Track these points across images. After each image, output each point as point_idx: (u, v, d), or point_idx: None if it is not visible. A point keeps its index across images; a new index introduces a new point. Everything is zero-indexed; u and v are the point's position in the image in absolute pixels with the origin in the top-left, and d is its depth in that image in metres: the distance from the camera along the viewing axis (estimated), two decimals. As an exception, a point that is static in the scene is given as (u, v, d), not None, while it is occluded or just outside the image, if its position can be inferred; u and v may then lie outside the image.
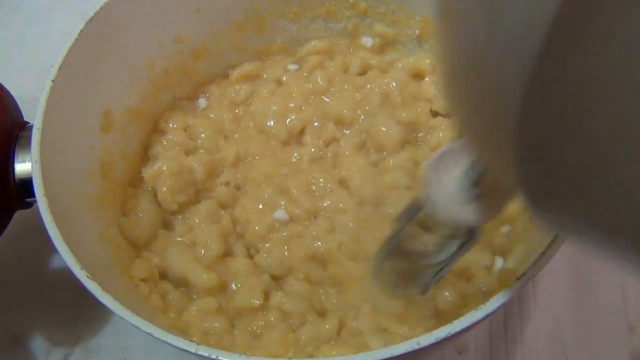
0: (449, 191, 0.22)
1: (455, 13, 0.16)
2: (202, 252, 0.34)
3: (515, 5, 0.13)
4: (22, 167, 0.33)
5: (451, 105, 0.19)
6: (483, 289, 0.32)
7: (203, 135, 0.40)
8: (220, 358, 0.24)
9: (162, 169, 0.37)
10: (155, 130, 0.40)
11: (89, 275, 0.26)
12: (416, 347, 0.23)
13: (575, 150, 0.14)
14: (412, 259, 0.27)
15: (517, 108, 0.14)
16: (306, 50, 0.43)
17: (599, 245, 0.16)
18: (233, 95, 0.42)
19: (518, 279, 0.25)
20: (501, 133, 0.16)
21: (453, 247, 0.25)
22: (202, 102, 0.42)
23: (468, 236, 0.25)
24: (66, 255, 0.27)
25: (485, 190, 0.22)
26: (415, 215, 0.26)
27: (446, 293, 0.31)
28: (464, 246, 0.25)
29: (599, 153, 0.14)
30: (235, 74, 0.43)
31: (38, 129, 0.30)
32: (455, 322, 0.24)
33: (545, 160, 0.15)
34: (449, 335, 0.23)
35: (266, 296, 0.33)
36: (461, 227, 0.24)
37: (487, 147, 0.18)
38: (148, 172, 0.37)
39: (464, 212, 0.22)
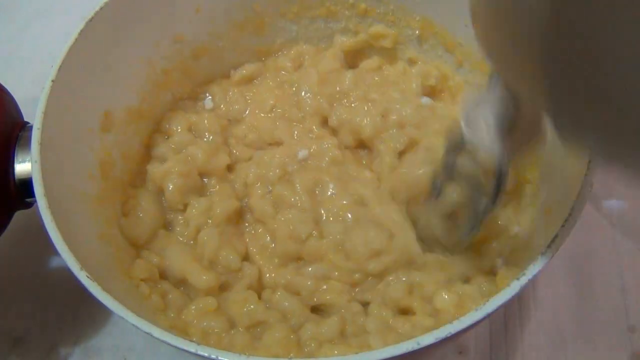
0: (484, 130, 0.26)
1: None
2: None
3: None
4: (22, 167, 0.33)
5: (486, 44, 0.21)
6: (483, 288, 0.32)
7: (207, 134, 0.40)
8: (220, 358, 0.24)
9: (171, 169, 0.37)
10: (158, 130, 0.40)
11: (89, 275, 0.26)
12: (416, 347, 0.23)
13: (597, 72, 0.16)
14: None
15: (542, 33, 0.17)
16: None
17: (618, 157, 0.20)
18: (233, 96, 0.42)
19: (518, 279, 0.25)
20: (530, 58, 0.18)
21: (483, 198, 0.29)
22: (208, 102, 0.42)
23: (497, 184, 0.28)
24: (66, 255, 0.27)
25: (515, 128, 0.26)
26: (456, 150, 0.30)
27: (444, 295, 0.31)
28: (496, 196, 0.29)
29: (614, 72, 0.16)
30: (237, 75, 0.43)
31: (38, 129, 0.30)
32: (455, 322, 0.24)
33: (570, 81, 0.18)
34: (449, 335, 0.23)
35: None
36: (491, 169, 0.28)
37: (519, 77, 0.21)
38: (154, 170, 0.37)
39: (498, 147, 0.26)
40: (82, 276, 0.26)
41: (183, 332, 0.31)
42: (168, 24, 0.39)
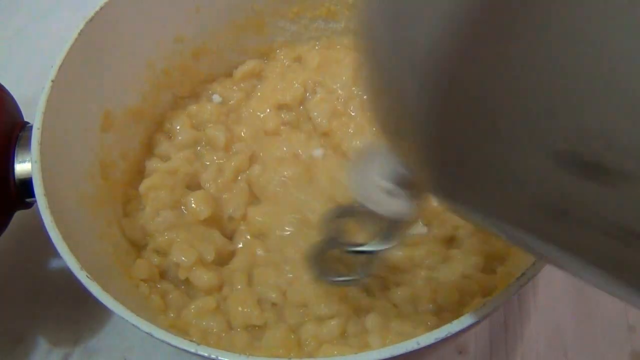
0: (375, 188, 0.24)
1: (368, 36, 0.17)
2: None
3: (413, 22, 0.14)
4: (22, 167, 0.33)
5: (372, 114, 0.19)
6: (483, 288, 0.32)
7: (210, 125, 0.40)
8: (220, 358, 0.24)
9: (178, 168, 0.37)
10: (159, 130, 0.40)
11: (89, 275, 0.26)
12: (416, 347, 0.23)
13: (483, 152, 0.15)
14: (343, 250, 0.29)
15: (421, 120, 0.16)
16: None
17: (504, 230, 0.18)
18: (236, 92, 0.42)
19: (518, 279, 0.25)
20: (412, 139, 0.17)
21: (381, 238, 0.27)
22: (216, 97, 0.43)
23: (394, 227, 0.26)
24: (66, 256, 0.27)
25: (406, 186, 0.24)
26: (344, 214, 0.29)
27: (446, 291, 0.31)
28: (391, 236, 0.27)
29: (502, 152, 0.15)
30: (239, 72, 0.43)
31: (38, 129, 0.30)
32: (455, 322, 0.24)
33: (454, 162, 0.16)
34: (448, 335, 0.23)
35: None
36: (389, 219, 0.26)
37: (404, 153, 0.19)
38: (152, 165, 0.38)
39: (390, 205, 0.24)
40: (82, 276, 0.26)
41: (183, 332, 0.31)
42: (168, 24, 0.39)
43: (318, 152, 0.38)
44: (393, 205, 0.24)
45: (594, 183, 0.14)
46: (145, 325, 0.25)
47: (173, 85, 0.42)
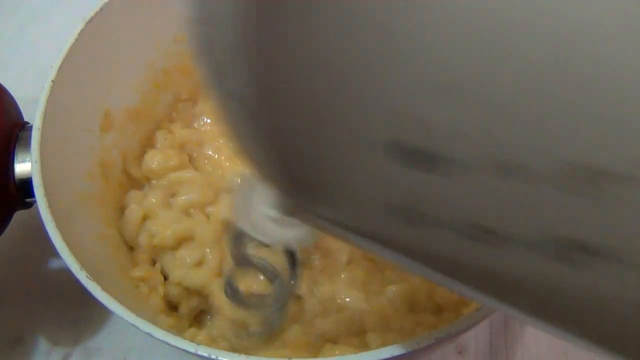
0: (262, 217, 0.22)
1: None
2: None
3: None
4: (22, 167, 0.33)
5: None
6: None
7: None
8: (220, 358, 0.24)
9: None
10: (159, 128, 0.40)
11: (89, 275, 0.26)
12: (416, 347, 0.23)
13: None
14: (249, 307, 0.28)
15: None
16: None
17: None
18: None
19: (518, 279, 0.25)
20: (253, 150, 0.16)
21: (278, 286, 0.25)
22: None
23: (291, 267, 0.25)
24: (66, 255, 0.27)
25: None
26: (240, 247, 0.25)
27: (445, 291, 0.31)
28: (292, 277, 0.25)
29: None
30: None
31: (38, 129, 0.30)
32: (455, 322, 0.24)
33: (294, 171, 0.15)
34: (449, 335, 0.23)
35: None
36: (283, 253, 0.24)
37: (257, 169, 0.17)
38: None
39: (277, 234, 0.22)
40: (82, 276, 0.26)
41: (183, 332, 0.31)
42: (168, 24, 0.39)
43: None
44: (281, 233, 0.22)
45: (428, 174, 0.12)
46: (145, 325, 0.25)
47: (173, 85, 0.41)
